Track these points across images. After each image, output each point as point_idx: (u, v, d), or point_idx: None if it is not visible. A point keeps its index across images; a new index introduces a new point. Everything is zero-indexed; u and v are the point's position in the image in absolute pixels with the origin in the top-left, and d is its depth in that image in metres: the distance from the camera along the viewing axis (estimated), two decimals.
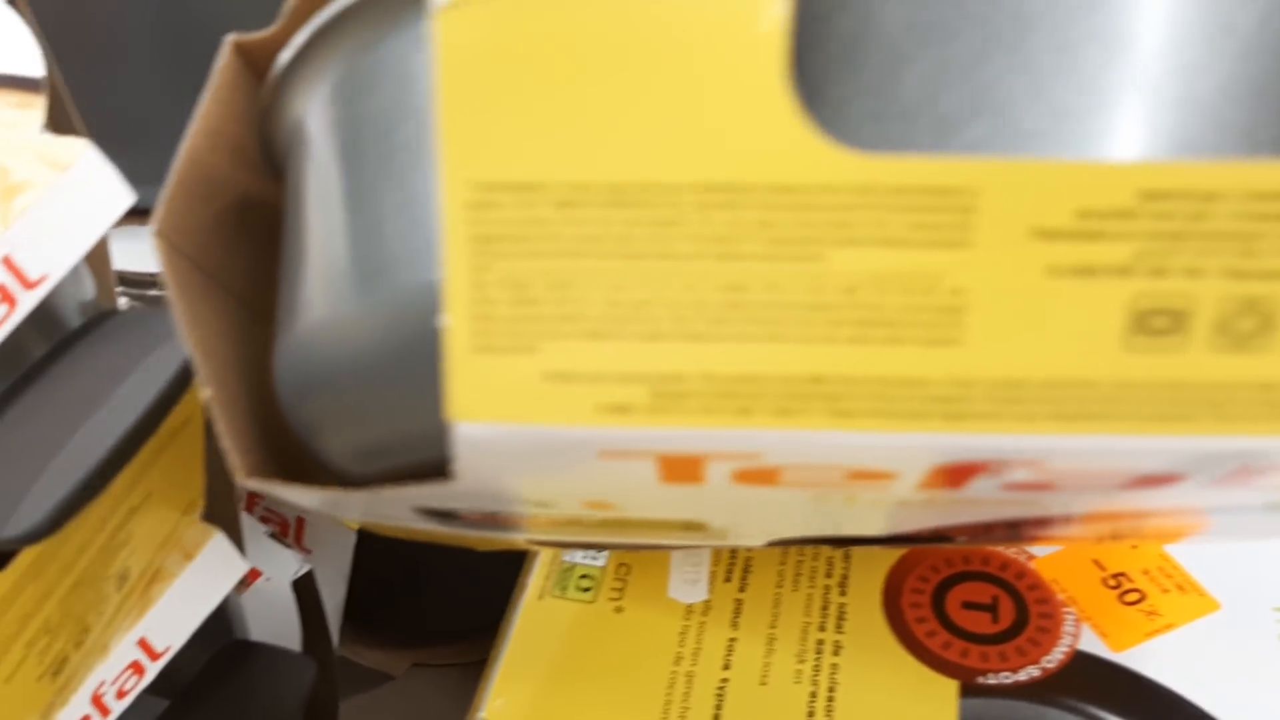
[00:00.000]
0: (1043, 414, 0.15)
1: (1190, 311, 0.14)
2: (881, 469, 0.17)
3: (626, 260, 0.14)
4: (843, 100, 0.15)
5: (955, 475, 0.17)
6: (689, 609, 0.34)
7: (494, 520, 0.21)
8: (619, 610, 0.34)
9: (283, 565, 0.46)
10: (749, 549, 0.35)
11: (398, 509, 0.20)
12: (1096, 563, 0.34)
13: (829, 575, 0.35)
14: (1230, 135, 0.15)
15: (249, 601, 0.45)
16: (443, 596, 0.50)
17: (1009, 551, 0.35)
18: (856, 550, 0.35)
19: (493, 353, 0.15)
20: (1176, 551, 0.34)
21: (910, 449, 0.16)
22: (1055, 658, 0.32)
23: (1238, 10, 0.15)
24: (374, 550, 0.50)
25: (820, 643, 0.33)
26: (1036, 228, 0.14)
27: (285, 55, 0.21)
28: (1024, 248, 0.14)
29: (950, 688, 0.31)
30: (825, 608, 0.34)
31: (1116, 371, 0.15)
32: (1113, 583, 0.34)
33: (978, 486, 0.17)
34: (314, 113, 0.21)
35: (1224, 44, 0.15)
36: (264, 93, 0.22)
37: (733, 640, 0.33)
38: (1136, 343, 0.15)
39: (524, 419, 0.15)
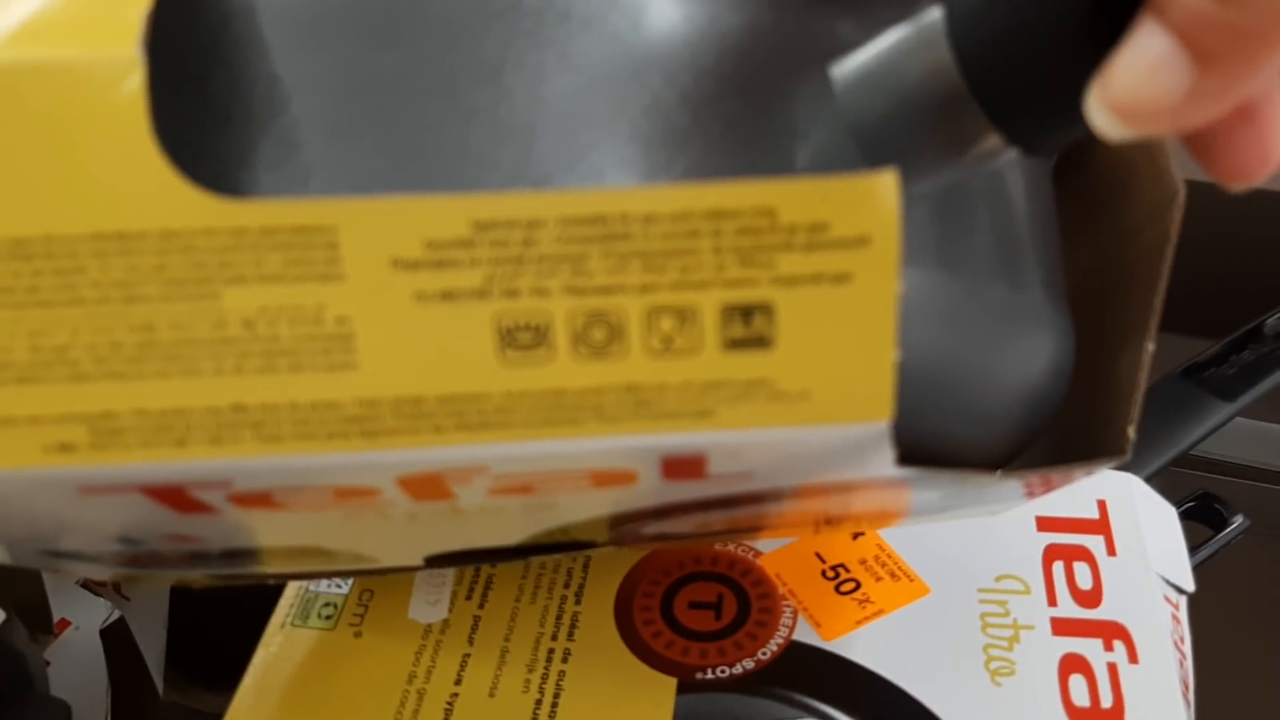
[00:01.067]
0: (449, 426, 0.17)
1: (548, 326, 0.16)
2: (359, 486, 0.18)
3: (40, 309, 0.16)
4: (225, 152, 0.17)
5: (428, 486, 0.19)
6: (427, 629, 0.35)
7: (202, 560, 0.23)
8: (358, 635, 0.35)
9: (92, 613, 0.47)
10: (492, 567, 0.37)
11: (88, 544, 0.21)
12: (818, 555, 0.36)
13: (567, 586, 0.36)
14: (568, 161, 0.17)
15: (56, 653, 0.46)
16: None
17: (737, 550, 0.36)
18: (596, 559, 0.37)
19: None
20: (897, 541, 0.36)
21: (367, 466, 0.17)
22: (770, 649, 0.33)
23: (579, 42, 0.17)
24: (195, 593, 0.51)
25: (551, 651, 0.34)
26: (395, 259, 0.16)
27: None
28: (389, 277, 0.16)
29: (669, 685, 0.33)
30: (560, 618, 0.35)
31: (500, 384, 0.16)
32: (831, 574, 0.35)
33: (465, 494, 0.19)
34: None
35: (563, 79, 0.17)
36: None
37: (466, 656, 0.34)
38: (510, 357, 0.16)
39: None
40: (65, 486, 0.17)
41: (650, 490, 0.20)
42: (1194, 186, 0.25)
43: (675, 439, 0.17)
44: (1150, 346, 0.25)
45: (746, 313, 0.16)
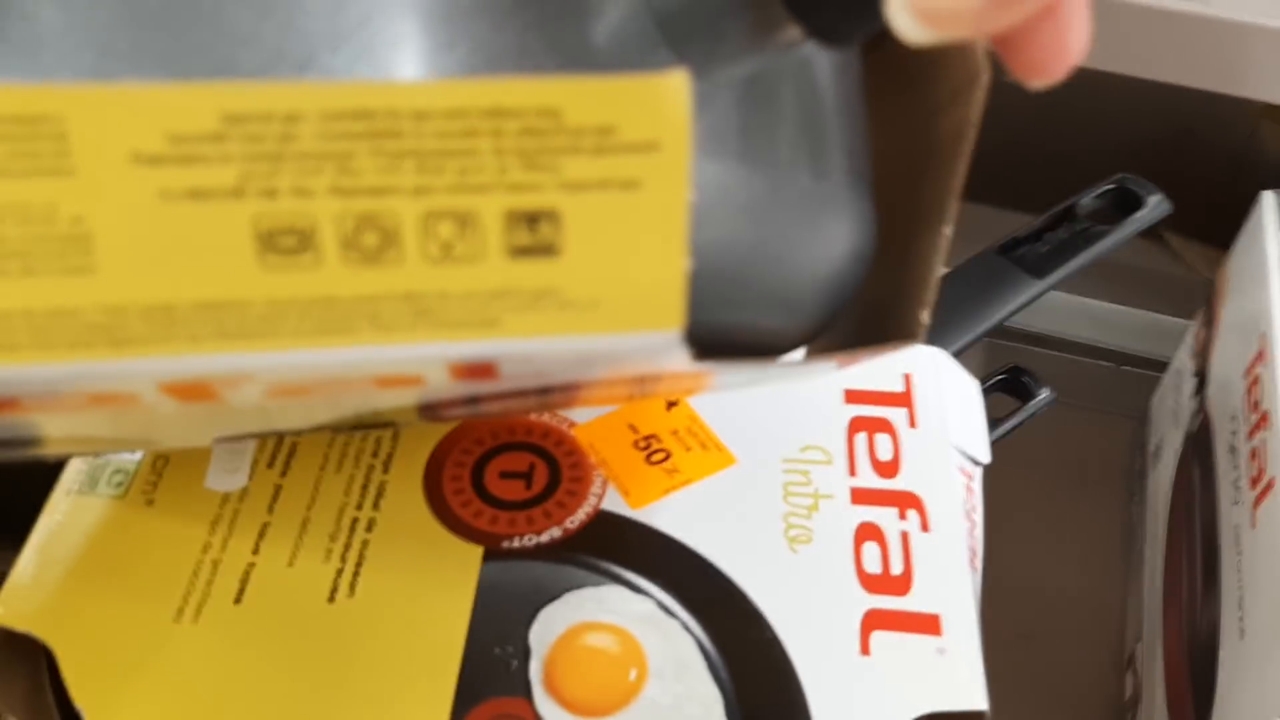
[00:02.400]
0: (207, 334, 0.16)
1: (313, 230, 0.15)
2: (115, 392, 0.17)
3: None
4: None
5: (194, 391, 0.17)
6: (225, 498, 0.34)
7: None
8: (150, 504, 0.34)
9: None
10: (296, 436, 0.36)
11: None
12: (631, 426, 0.36)
13: (375, 455, 0.36)
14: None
15: None
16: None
17: (551, 420, 0.36)
18: (407, 429, 0.36)
19: None
20: (708, 412, 0.37)
21: (119, 375, 0.16)
22: (578, 518, 0.34)
23: None
24: None
25: (355, 521, 0.34)
26: (135, 153, 0.14)
27: None
28: (129, 173, 0.14)
29: (475, 553, 0.33)
30: (365, 486, 0.35)
31: (262, 291, 0.15)
32: (643, 444, 0.36)
33: (237, 398, 0.18)
34: None
35: None
36: None
37: (266, 525, 0.34)
38: (272, 262, 0.15)
39: None
40: None
41: (441, 389, 0.19)
42: None
43: (460, 347, 0.16)
44: (947, 230, 0.26)
45: (532, 219, 0.16)
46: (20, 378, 0.16)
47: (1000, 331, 0.41)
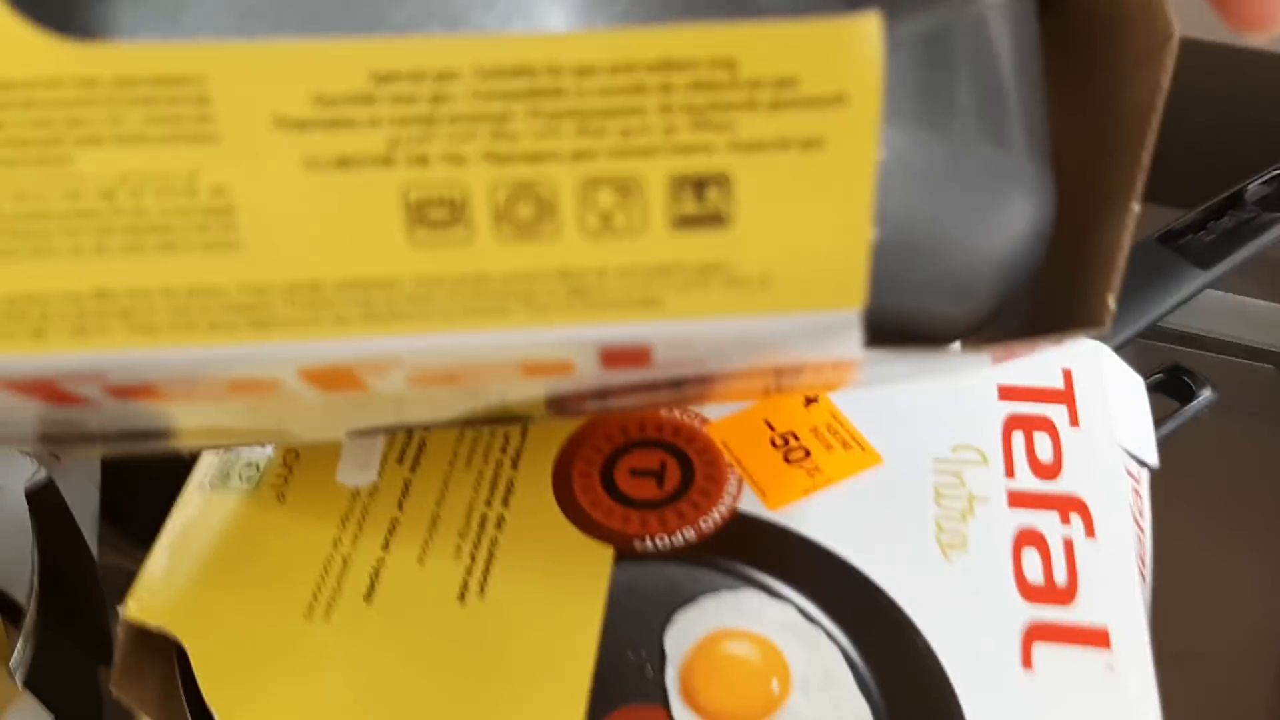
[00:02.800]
0: (354, 316, 0.14)
1: (465, 201, 0.14)
2: (255, 379, 0.16)
3: None
4: None
5: (337, 378, 0.16)
6: (355, 493, 0.34)
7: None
8: (281, 499, 0.33)
9: (18, 472, 0.45)
10: (425, 431, 0.35)
11: None
12: (767, 423, 0.35)
13: (504, 450, 0.35)
14: None
15: None
16: None
17: (683, 416, 0.35)
18: (535, 425, 0.35)
19: None
20: (851, 409, 0.35)
21: (262, 359, 0.15)
22: (713, 519, 0.32)
23: None
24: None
25: (484, 518, 0.33)
26: (279, 117, 0.13)
27: None
28: (272, 139, 0.13)
29: (606, 553, 0.32)
30: (494, 483, 0.34)
31: (411, 268, 0.14)
32: (780, 442, 0.34)
33: (381, 385, 0.17)
34: None
35: None
36: None
37: (395, 521, 0.33)
38: (420, 236, 0.14)
39: None
40: None
41: (589, 377, 0.18)
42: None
43: (616, 329, 0.15)
44: (1135, 207, 0.24)
45: (699, 185, 0.14)
46: (158, 361, 0.15)
47: (1153, 332, 0.38)
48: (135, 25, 0.14)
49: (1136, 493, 0.32)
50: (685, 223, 0.14)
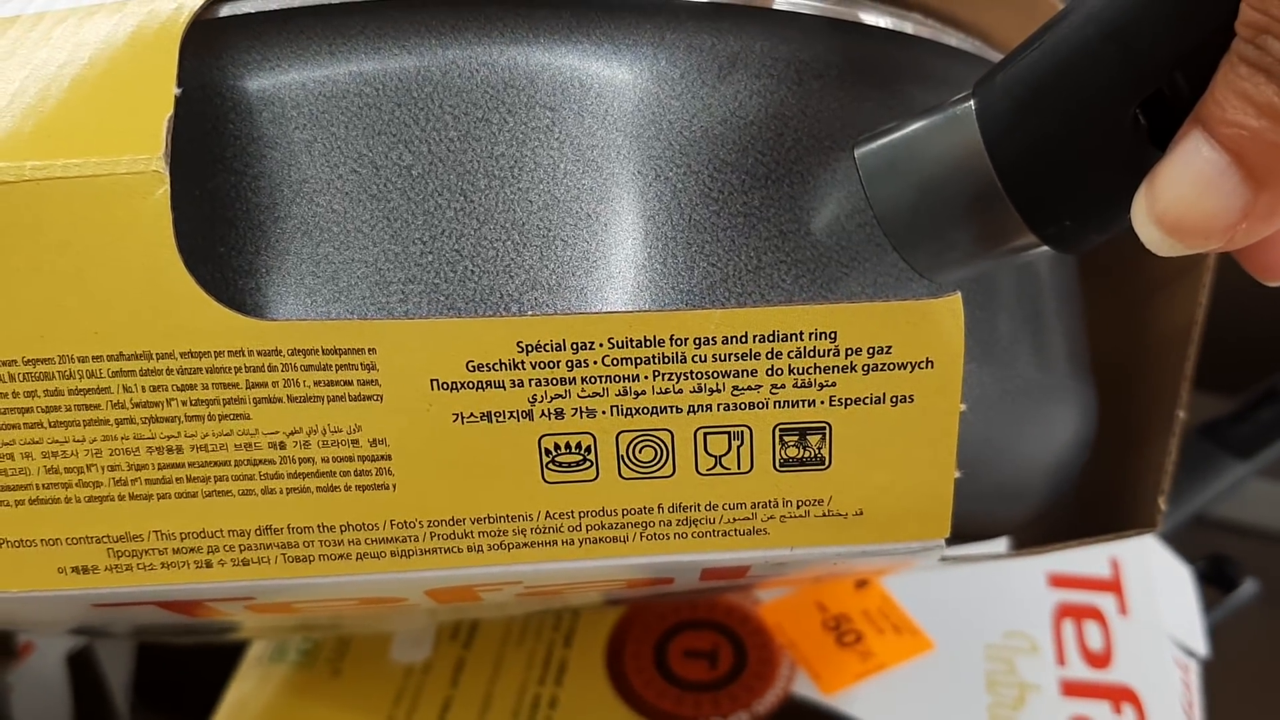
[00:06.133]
0: (488, 546, 0.17)
1: (593, 446, 0.16)
2: (386, 597, 0.18)
3: (58, 429, 0.16)
4: (228, 256, 0.17)
5: (457, 595, 0.19)
6: (409, 669, 0.35)
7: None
8: (336, 674, 0.35)
9: (58, 638, 0.47)
10: None
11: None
12: (820, 605, 0.36)
13: (556, 629, 0.36)
14: (591, 265, 0.17)
15: (19, 678, 0.45)
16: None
17: (735, 597, 0.37)
18: None
19: None
20: (901, 593, 0.37)
21: (399, 582, 0.18)
22: (767, 702, 0.34)
23: (597, 146, 0.17)
24: None
25: (537, 697, 0.34)
26: (435, 380, 0.16)
27: None
28: (429, 398, 0.16)
29: None
30: (547, 662, 0.35)
31: (541, 504, 0.17)
32: (832, 624, 0.36)
33: (493, 599, 0.19)
34: None
35: (588, 179, 0.17)
36: None
37: (449, 699, 0.34)
38: (553, 476, 0.16)
39: None
40: (78, 603, 0.18)
41: (684, 587, 0.20)
42: None
43: (722, 556, 0.17)
44: (1181, 414, 0.26)
45: (802, 432, 0.17)
46: (306, 586, 0.17)
47: (1198, 521, 0.40)
48: (278, 294, 0.17)
49: (1186, 684, 0.34)
50: (788, 464, 0.17)
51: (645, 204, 0.18)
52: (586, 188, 0.18)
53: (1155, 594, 0.35)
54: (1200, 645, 0.34)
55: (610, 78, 0.18)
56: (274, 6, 0.17)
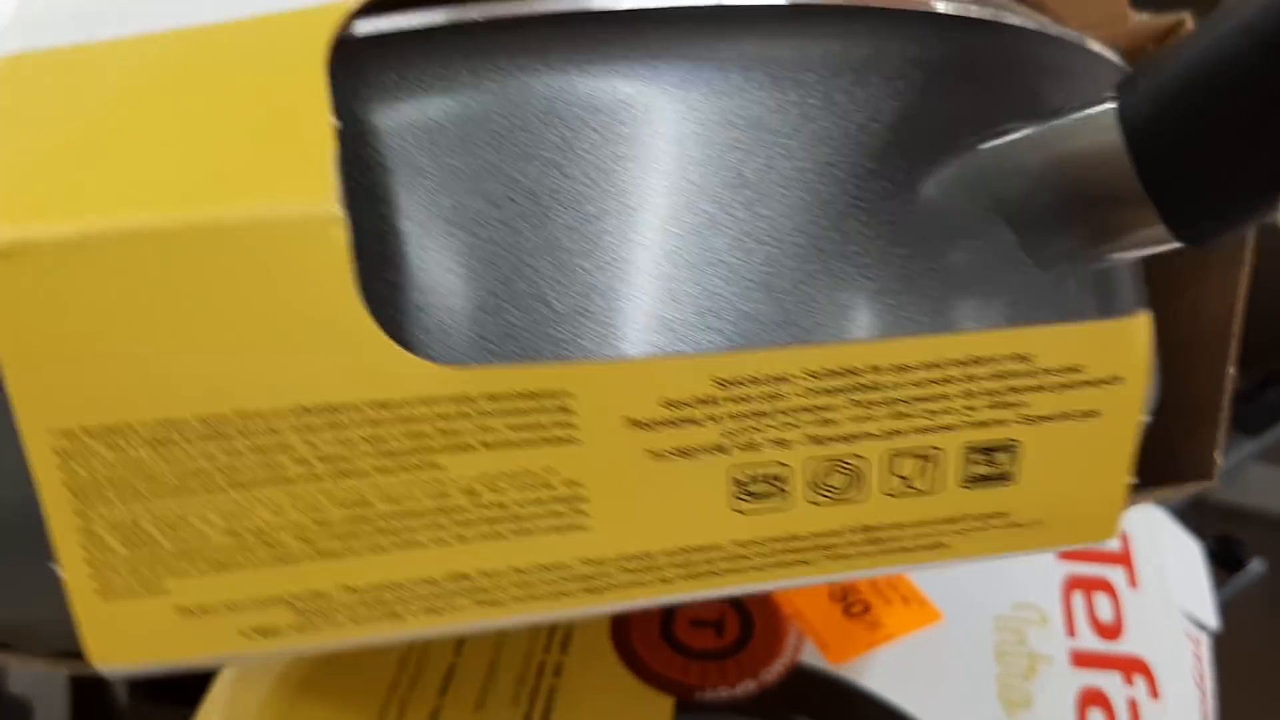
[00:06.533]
0: (676, 577, 0.17)
1: (786, 476, 0.16)
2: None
3: (237, 489, 0.15)
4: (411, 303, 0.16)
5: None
6: None
7: None
8: None
9: None
10: None
11: None
12: None
13: None
14: (748, 287, 0.16)
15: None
16: None
17: None
18: None
19: (118, 598, 0.15)
20: None
21: (582, 614, 0.17)
22: (774, 671, 0.34)
23: (744, 160, 0.16)
24: None
25: (542, 665, 0.34)
26: (631, 420, 0.15)
27: None
28: (624, 438, 0.15)
29: (665, 704, 0.33)
30: (553, 630, 0.34)
31: (731, 534, 0.16)
32: (840, 595, 0.35)
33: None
34: None
35: (733, 195, 0.16)
36: None
37: (453, 666, 0.33)
38: (743, 507, 0.16)
39: (168, 657, 0.16)
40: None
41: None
42: None
43: (900, 569, 0.18)
44: (1231, 370, 0.26)
45: (990, 450, 0.17)
46: (491, 625, 0.16)
47: (1203, 505, 0.41)
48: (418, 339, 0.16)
49: (1197, 655, 0.34)
50: (975, 481, 0.17)
51: (796, 218, 0.17)
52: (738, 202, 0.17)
53: (1165, 567, 0.35)
54: (1210, 618, 0.35)
55: (760, 97, 0.17)
56: (409, 26, 0.15)
